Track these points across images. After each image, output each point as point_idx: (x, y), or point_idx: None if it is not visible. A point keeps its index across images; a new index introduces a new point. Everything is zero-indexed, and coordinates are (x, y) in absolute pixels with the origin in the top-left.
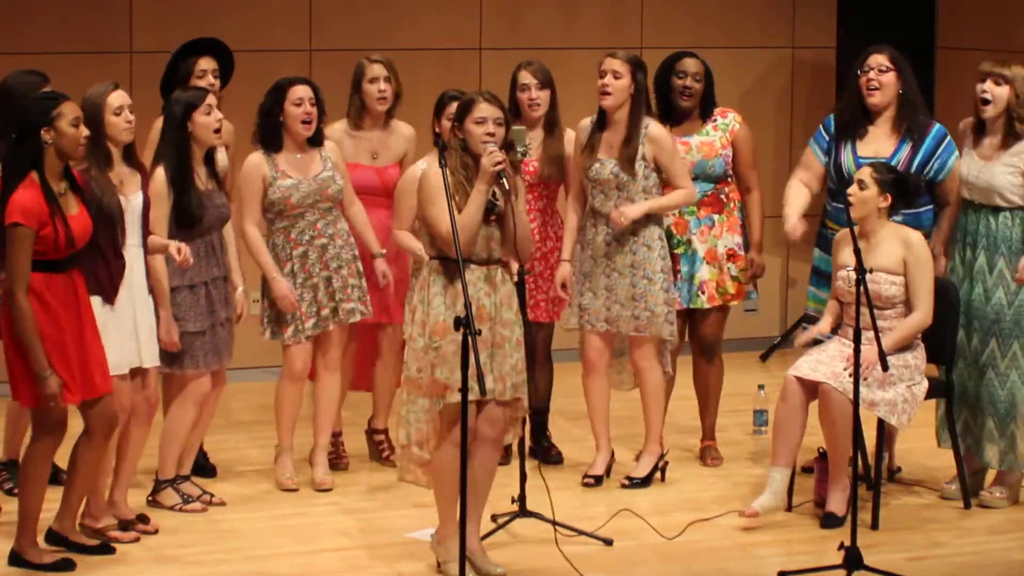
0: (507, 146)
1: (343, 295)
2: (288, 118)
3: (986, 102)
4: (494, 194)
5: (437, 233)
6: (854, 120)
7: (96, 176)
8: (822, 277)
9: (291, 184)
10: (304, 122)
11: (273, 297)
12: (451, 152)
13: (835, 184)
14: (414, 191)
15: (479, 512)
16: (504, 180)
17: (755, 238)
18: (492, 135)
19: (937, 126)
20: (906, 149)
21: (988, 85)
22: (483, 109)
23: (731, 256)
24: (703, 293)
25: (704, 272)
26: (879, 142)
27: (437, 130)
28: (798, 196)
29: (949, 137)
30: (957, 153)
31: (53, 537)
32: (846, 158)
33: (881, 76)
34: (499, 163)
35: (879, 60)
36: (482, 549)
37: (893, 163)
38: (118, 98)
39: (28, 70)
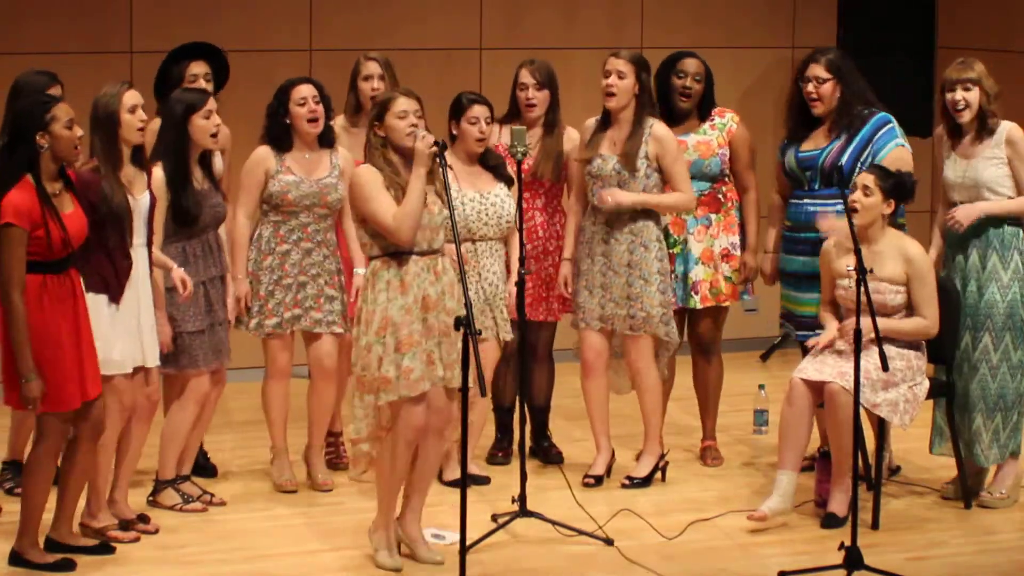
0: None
1: (314, 303)
2: (294, 118)
3: (961, 109)
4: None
5: (383, 224)
6: (798, 126)
7: (107, 175)
8: (788, 276)
9: (292, 181)
10: (310, 120)
11: (229, 293)
12: (375, 151)
13: (789, 181)
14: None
15: (421, 501)
16: (441, 160)
17: (750, 240)
18: (415, 126)
19: (879, 116)
20: (840, 141)
21: (959, 94)
22: (402, 103)
23: (725, 256)
24: (696, 293)
25: (698, 272)
26: (819, 138)
27: (454, 132)
28: (775, 225)
29: (892, 125)
30: (899, 140)
31: (51, 546)
32: (789, 157)
33: (820, 88)
34: (433, 145)
35: (816, 71)
36: (423, 538)
37: (825, 153)
38: (132, 97)
39: (40, 71)
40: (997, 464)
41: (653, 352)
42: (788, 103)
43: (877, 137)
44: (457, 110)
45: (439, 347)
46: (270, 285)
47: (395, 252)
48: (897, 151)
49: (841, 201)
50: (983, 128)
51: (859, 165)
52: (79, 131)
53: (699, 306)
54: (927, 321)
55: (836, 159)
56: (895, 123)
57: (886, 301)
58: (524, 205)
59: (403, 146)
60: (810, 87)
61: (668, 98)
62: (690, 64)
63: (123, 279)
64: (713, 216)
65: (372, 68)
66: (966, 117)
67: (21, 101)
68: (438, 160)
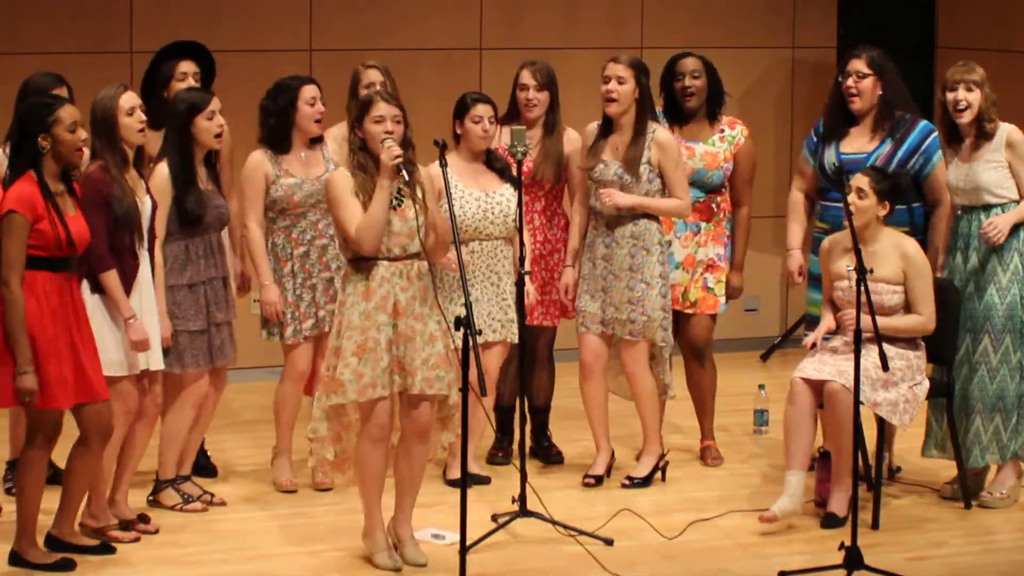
0: (406, 144)
1: None
2: (302, 118)
3: (962, 110)
4: (399, 190)
5: (347, 234)
6: (838, 123)
7: (116, 177)
8: (817, 280)
9: (294, 183)
10: (317, 121)
11: (262, 301)
12: (353, 153)
13: (823, 183)
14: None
15: (411, 503)
16: (404, 173)
17: (737, 259)
18: (391, 132)
19: (923, 123)
20: (887, 146)
21: (961, 93)
22: (381, 108)
23: (710, 266)
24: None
25: (676, 276)
26: (860, 140)
27: (458, 131)
28: (798, 222)
29: (935, 134)
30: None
31: (52, 542)
32: (829, 156)
33: (860, 83)
34: (397, 157)
35: (857, 66)
36: (412, 539)
37: (873, 158)
38: (129, 99)
39: (47, 72)
40: (997, 464)
41: (648, 357)
42: (827, 99)
43: (925, 146)
44: (461, 109)
45: (404, 353)
46: (297, 289)
47: (364, 257)
48: (943, 162)
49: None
50: (981, 133)
51: (905, 173)
52: (83, 134)
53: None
54: (923, 317)
55: (884, 166)
56: (937, 132)
57: (883, 301)
58: (524, 208)
59: (378, 152)
60: (850, 81)
61: (675, 102)
62: (686, 64)
63: (130, 279)
64: (703, 224)
65: (373, 76)
66: (966, 118)
67: (26, 101)
68: (402, 172)
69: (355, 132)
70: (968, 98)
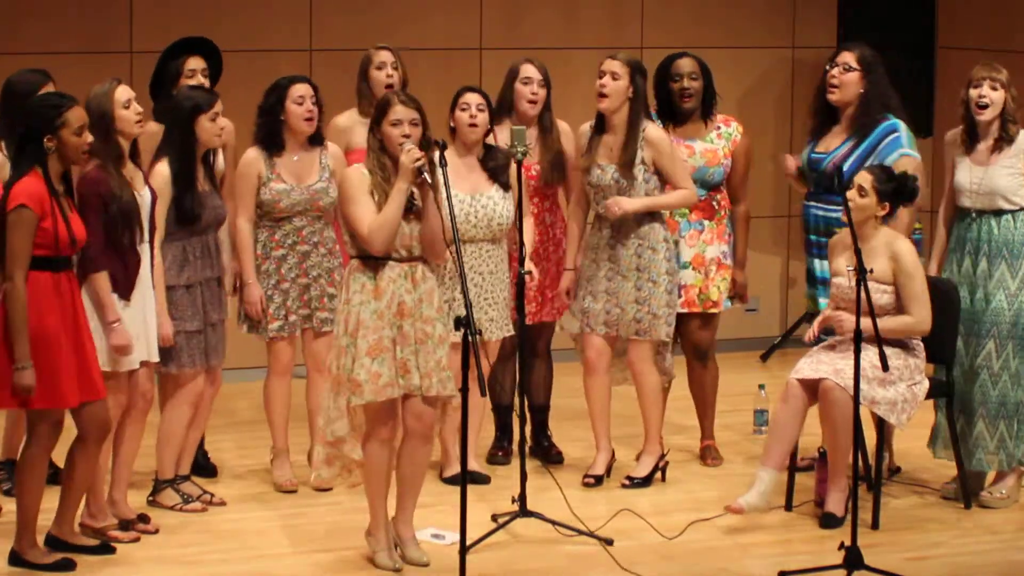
0: (427, 144)
1: (319, 304)
2: (291, 116)
3: (984, 107)
4: (412, 192)
5: (358, 232)
6: (819, 115)
7: (112, 173)
8: (814, 279)
9: (283, 189)
10: (307, 119)
11: (244, 299)
12: (371, 152)
13: (804, 181)
14: None
15: (413, 503)
16: (426, 175)
17: (739, 256)
18: (408, 136)
19: (889, 122)
20: (847, 146)
21: (986, 90)
22: (399, 111)
23: (718, 265)
24: (680, 297)
25: (687, 276)
26: (832, 139)
27: (452, 124)
28: None
29: (898, 133)
30: (905, 149)
31: (52, 542)
32: (804, 154)
33: (843, 75)
34: (418, 159)
35: (845, 58)
36: (414, 539)
37: (830, 158)
38: (124, 92)
39: (32, 69)
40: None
41: (654, 354)
42: (814, 93)
43: (883, 146)
44: (452, 102)
45: (416, 355)
46: (269, 290)
47: (372, 255)
48: (902, 161)
49: (842, 206)
50: (1004, 136)
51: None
52: (89, 137)
53: (681, 310)
54: (913, 318)
55: (839, 164)
56: (903, 131)
57: (874, 300)
58: (534, 209)
59: (395, 154)
60: (835, 71)
61: (670, 102)
62: (684, 64)
63: (132, 276)
64: (706, 222)
65: (385, 56)
66: (987, 115)
67: (35, 99)
68: (423, 174)
69: (373, 134)
70: (991, 96)
